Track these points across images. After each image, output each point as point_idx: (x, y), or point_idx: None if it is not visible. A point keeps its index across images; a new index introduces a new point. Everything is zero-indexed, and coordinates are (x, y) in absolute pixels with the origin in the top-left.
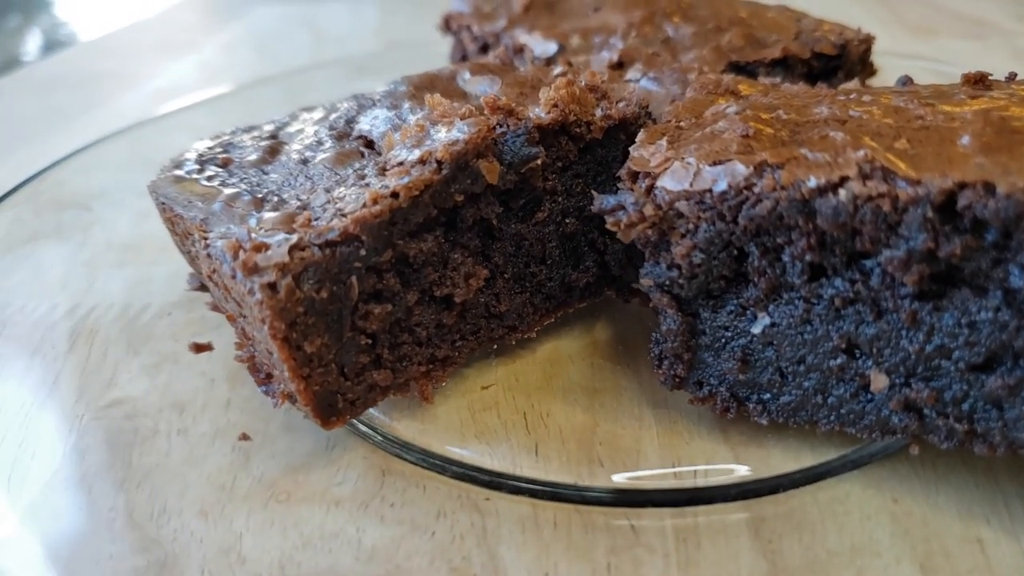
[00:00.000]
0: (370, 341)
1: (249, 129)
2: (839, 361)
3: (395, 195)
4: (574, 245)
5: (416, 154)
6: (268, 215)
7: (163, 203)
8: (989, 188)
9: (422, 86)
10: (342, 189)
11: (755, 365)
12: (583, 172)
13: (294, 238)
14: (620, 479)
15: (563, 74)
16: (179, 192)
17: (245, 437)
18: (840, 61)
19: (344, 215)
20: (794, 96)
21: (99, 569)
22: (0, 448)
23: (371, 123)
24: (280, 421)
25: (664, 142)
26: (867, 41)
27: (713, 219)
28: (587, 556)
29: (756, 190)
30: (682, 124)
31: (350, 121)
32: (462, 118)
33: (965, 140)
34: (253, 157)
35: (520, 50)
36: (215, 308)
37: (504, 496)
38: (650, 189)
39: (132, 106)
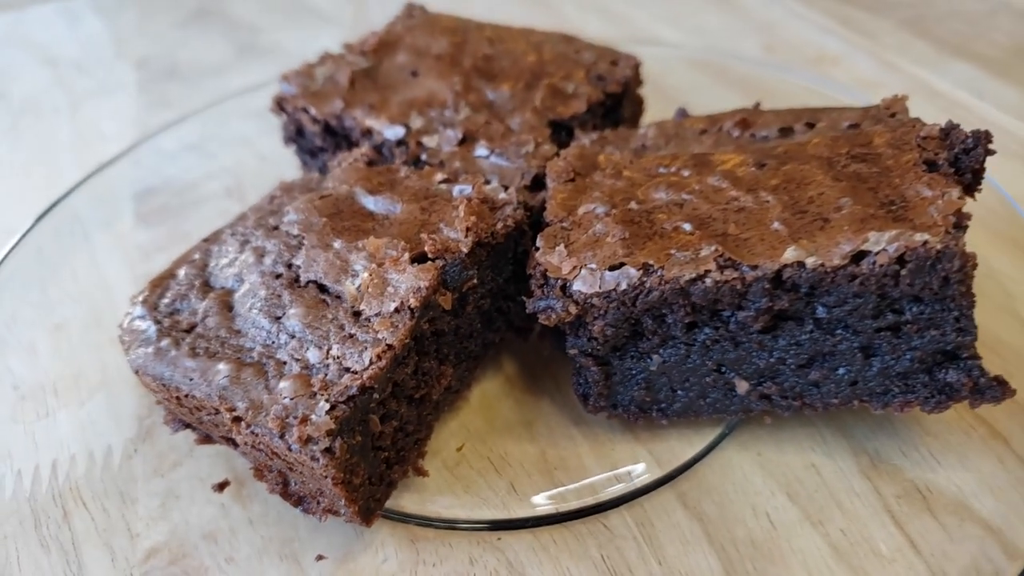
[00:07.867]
0: (385, 452)
1: (165, 280)
2: (712, 377)
3: (390, 347)
4: (488, 315)
5: (391, 305)
6: (284, 384)
7: (163, 384)
8: (801, 265)
9: (333, 214)
10: (335, 346)
11: (654, 388)
12: (490, 264)
13: (325, 404)
14: (578, 495)
15: (447, 180)
16: (173, 371)
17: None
18: (624, 95)
19: (352, 371)
20: (632, 179)
21: None
22: None
23: (314, 267)
24: (304, 524)
25: (563, 247)
26: (635, 66)
27: (618, 306)
28: (586, 556)
29: (647, 285)
30: (564, 224)
31: (289, 265)
32: (411, 263)
33: (777, 226)
34: (213, 320)
35: (367, 132)
36: (204, 441)
37: (510, 532)
38: (563, 287)
39: None
